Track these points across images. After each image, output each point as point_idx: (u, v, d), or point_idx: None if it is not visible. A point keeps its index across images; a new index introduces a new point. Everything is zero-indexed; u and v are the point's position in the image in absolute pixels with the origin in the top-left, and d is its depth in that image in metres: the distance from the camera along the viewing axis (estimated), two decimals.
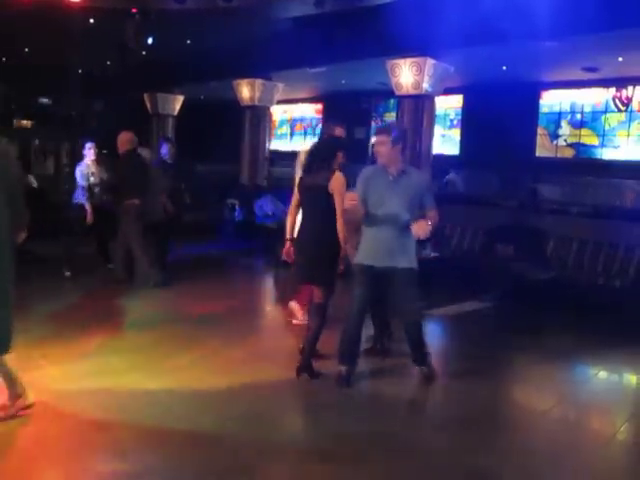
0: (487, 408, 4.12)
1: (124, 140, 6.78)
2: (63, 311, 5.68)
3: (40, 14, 8.71)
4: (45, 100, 13.76)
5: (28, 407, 3.51)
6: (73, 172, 7.43)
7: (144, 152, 7.40)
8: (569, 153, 12.40)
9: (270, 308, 7.04)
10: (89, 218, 6.99)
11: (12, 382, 3.46)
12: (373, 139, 4.34)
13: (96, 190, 7.12)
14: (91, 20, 9.58)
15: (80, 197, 7.10)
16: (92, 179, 7.10)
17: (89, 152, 7.18)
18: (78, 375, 4.13)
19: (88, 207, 7.00)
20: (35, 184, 10.27)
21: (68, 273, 6.96)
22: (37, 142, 17.17)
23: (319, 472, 3.14)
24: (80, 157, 7.48)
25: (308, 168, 4.35)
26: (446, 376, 4.63)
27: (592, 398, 4.47)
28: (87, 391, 3.86)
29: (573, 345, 5.51)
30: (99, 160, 7.35)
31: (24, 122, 17.69)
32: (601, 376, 4.97)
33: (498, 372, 4.84)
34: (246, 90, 13.18)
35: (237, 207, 11.43)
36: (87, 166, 7.16)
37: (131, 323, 5.53)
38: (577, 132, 12.29)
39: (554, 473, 3.31)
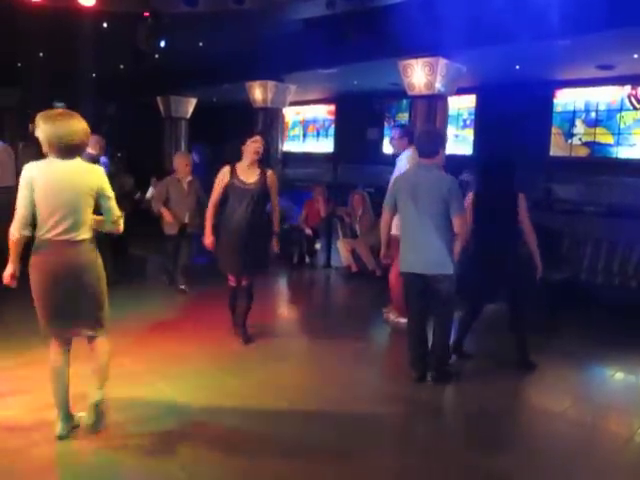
0: (501, 408, 4.09)
1: (100, 142, 6.58)
2: None
3: (54, 19, 8.79)
4: (59, 104, 13.88)
5: None
6: None
7: None
8: (584, 152, 12.27)
9: (283, 309, 7.04)
10: None
11: None
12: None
13: None
14: (104, 24, 9.65)
15: None
16: None
17: None
18: None
19: None
20: None
21: None
22: None
23: (327, 467, 3.15)
24: None
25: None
26: (460, 376, 4.60)
27: (608, 399, 4.42)
28: None
29: (588, 346, 5.45)
30: None
31: None
32: (618, 377, 4.91)
33: (512, 372, 4.80)
34: (258, 92, 13.20)
35: None
36: None
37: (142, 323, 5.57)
38: (592, 131, 12.15)
39: (570, 474, 3.28)
